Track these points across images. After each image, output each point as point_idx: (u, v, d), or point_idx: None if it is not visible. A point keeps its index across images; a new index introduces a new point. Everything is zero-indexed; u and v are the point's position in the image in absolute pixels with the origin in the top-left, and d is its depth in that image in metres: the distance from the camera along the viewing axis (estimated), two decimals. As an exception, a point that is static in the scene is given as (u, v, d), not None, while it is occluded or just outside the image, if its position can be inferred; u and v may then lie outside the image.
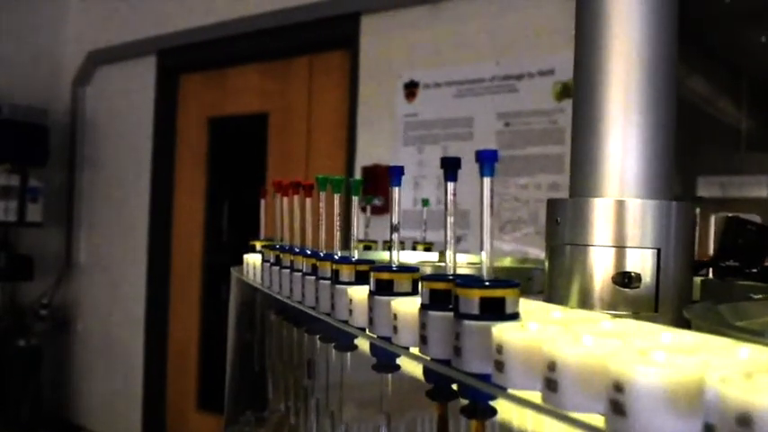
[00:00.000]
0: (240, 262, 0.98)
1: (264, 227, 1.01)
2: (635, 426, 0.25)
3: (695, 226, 0.71)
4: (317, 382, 0.67)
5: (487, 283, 0.37)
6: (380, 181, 2.34)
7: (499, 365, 0.33)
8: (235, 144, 3.21)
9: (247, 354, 0.94)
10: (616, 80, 0.59)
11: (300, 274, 0.65)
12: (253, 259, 0.90)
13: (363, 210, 2.40)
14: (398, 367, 0.49)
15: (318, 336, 0.64)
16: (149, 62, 3.31)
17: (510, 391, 0.33)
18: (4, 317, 3.30)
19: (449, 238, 0.43)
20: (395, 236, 0.51)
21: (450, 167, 0.42)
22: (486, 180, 0.38)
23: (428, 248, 1.10)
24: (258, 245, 0.91)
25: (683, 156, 1.89)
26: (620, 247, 0.57)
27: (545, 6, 2.13)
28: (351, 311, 0.53)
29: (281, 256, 0.72)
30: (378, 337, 0.48)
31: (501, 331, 0.33)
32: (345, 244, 0.63)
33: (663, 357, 0.27)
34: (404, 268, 0.49)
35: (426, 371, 0.42)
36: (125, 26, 3.38)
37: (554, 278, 0.61)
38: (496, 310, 0.36)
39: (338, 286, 0.55)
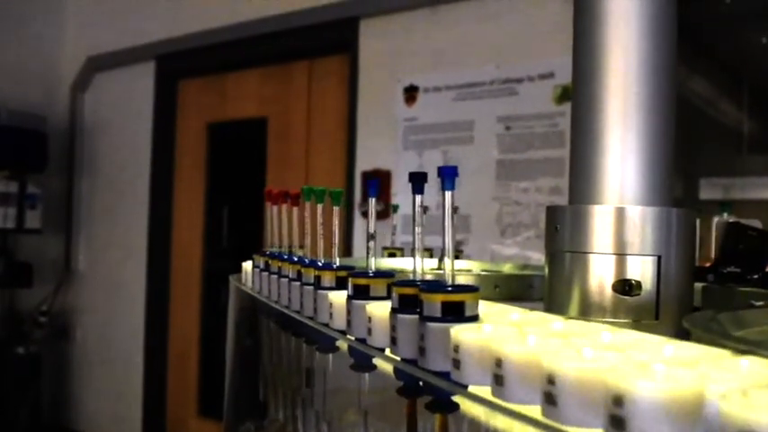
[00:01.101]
0: (240, 268, 0.97)
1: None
2: (565, 414, 0.29)
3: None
4: (308, 387, 0.67)
5: (449, 289, 0.41)
6: (380, 186, 2.34)
7: (456, 363, 0.36)
8: (234, 149, 3.21)
9: (247, 362, 0.93)
10: (615, 86, 0.59)
11: (287, 279, 0.68)
12: (251, 267, 0.89)
13: (364, 215, 2.41)
14: (375, 367, 0.52)
15: (304, 339, 0.67)
16: (148, 68, 3.32)
17: (470, 388, 0.36)
18: (2, 324, 3.30)
19: (417, 247, 0.46)
20: (371, 243, 0.54)
21: (417, 182, 0.45)
22: (448, 194, 0.42)
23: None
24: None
25: (685, 158, 1.88)
26: (621, 255, 0.56)
27: (545, 9, 2.12)
28: (331, 315, 0.56)
29: (270, 262, 0.74)
30: (355, 338, 0.51)
31: (458, 332, 0.37)
32: (347, 251, 0.65)
33: (590, 354, 0.30)
34: (379, 274, 0.51)
35: (396, 369, 0.45)
36: (123, 32, 3.39)
37: (554, 285, 0.61)
38: (456, 313, 0.40)
39: (320, 291, 0.59)
